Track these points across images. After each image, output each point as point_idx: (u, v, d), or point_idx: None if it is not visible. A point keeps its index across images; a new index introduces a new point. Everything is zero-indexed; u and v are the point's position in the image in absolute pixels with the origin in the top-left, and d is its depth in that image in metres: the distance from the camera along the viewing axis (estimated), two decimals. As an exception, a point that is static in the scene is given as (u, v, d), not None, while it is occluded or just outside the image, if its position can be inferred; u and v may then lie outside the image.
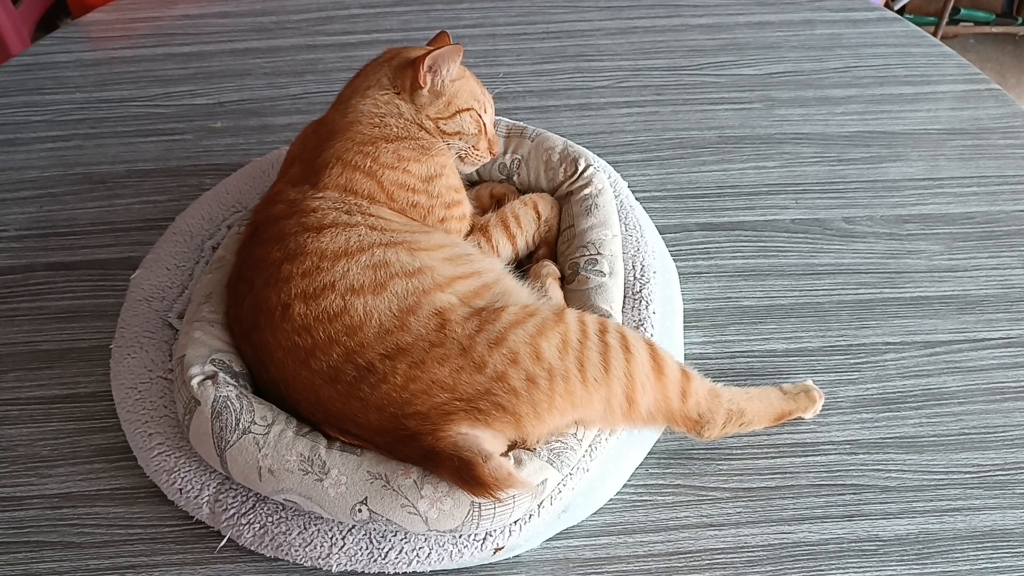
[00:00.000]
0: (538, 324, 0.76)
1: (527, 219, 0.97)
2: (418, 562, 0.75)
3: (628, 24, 1.49)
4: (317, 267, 0.78)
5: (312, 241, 0.79)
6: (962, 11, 2.73)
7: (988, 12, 2.75)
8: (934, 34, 2.56)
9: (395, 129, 0.89)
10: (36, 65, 1.43)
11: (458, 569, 0.77)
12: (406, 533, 0.74)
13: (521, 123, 1.07)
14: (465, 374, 0.73)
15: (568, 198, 0.99)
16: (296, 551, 0.75)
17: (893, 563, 0.78)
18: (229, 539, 0.78)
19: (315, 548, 0.75)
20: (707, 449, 0.86)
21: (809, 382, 0.89)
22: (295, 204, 0.84)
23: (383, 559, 0.75)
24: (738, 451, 0.86)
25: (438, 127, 0.91)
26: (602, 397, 0.75)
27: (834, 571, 0.77)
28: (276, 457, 0.73)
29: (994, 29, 2.78)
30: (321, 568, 0.76)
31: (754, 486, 0.84)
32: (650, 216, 1.06)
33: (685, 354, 0.94)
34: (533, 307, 0.79)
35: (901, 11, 2.64)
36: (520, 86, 1.35)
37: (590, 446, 0.78)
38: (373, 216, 0.83)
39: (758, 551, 0.79)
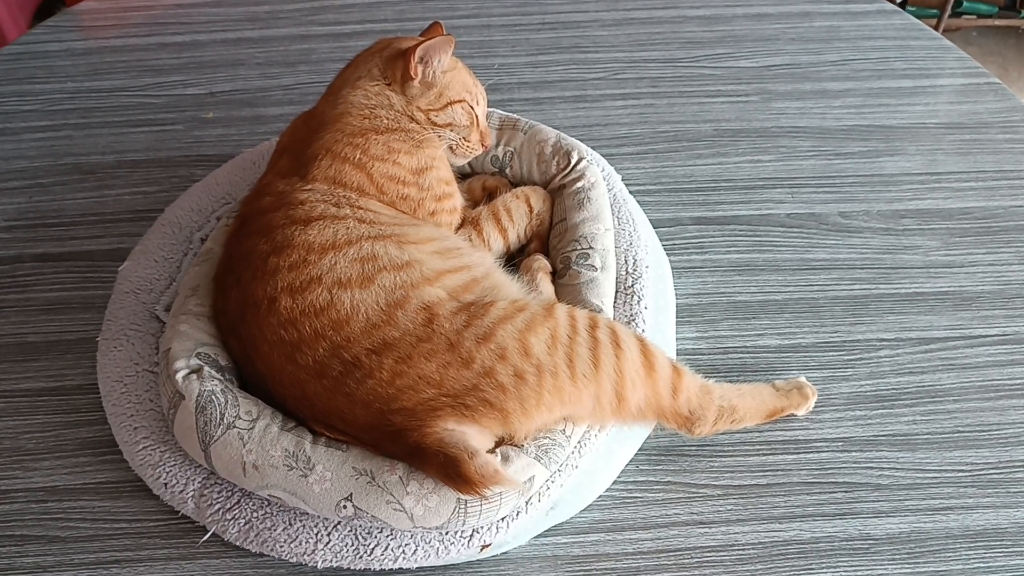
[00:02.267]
0: (527, 319, 0.75)
1: (519, 212, 0.96)
2: (404, 559, 0.74)
3: (624, 15, 1.48)
4: (304, 260, 0.77)
5: (299, 234, 0.78)
6: (964, 4, 2.71)
7: (991, 5, 2.73)
8: (936, 27, 2.54)
9: (385, 121, 0.88)
10: (27, 54, 1.41)
11: (445, 566, 0.77)
12: (392, 529, 0.74)
13: (514, 115, 1.05)
14: (452, 370, 0.72)
15: (561, 191, 0.98)
16: (281, 547, 0.75)
17: (885, 562, 0.77)
18: (214, 534, 0.77)
19: (300, 544, 0.74)
20: (698, 446, 0.85)
21: (802, 379, 0.88)
22: (283, 196, 0.83)
23: (369, 555, 0.74)
24: (729, 448, 0.85)
25: (429, 119, 0.90)
26: (591, 393, 0.74)
27: (825, 570, 0.76)
28: (260, 452, 0.72)
29: (997, 22, 2.76)
30: (307, 564, 0.75)
31: (745, 483, 0.83)
32: (644, 210, 1.05)
33: (677, 350, 0.93)
34: (522, 302, 0.78)
35: (903, 4, 2.63)
36: (515, 77, 1.34)
37: (579, 443, 0.78)
38: (362, 209, 0.83)
39: (748, 549, 0.78)
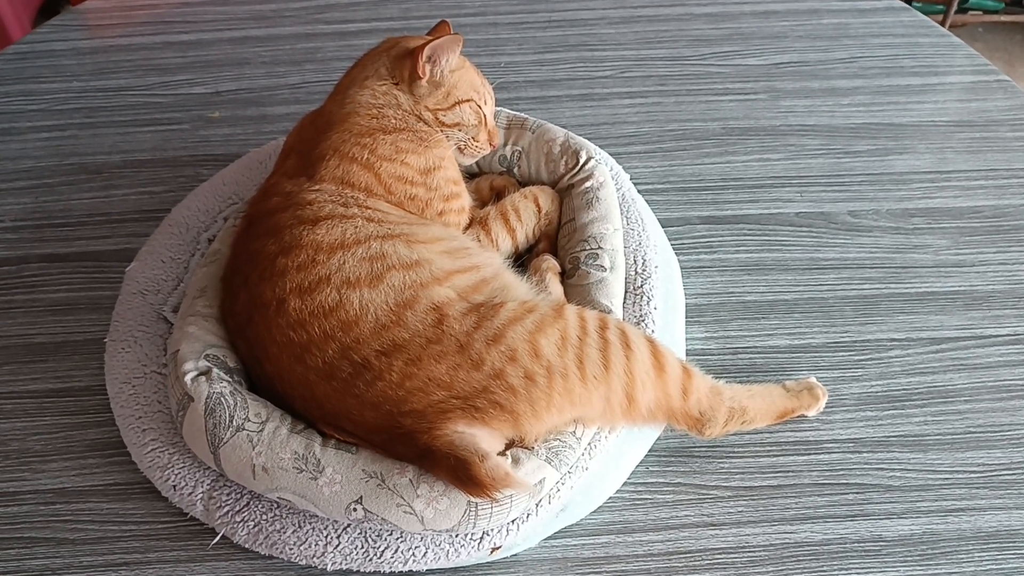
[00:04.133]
0: (537, 320, 0.75)
1: (527, 212, 0.95)
2: (414, 561, 0.74)
3: (631, 13, 1.47)
4: (312, 260, 0.76)
5: (308, 234, 0.78)
6: (970, 0, 2.70)
7: (997, 1, 2.72)
8: (942, 23, 2.53)
9: (393, 120, 0.88)
10: (33, 53, 1.41)
11: (454, 568, 0.76)
12: (402, 532, 0.73)
13: (522, 114, 1.05)
14: (462, 371, 0.71)
15: (569, 191, 0.98)
16: (291, 550, 0.75)
17: (897, 564, 0.76)
18: (223, 536, 0.77)
19: (310, 547, 0.74)
20: (708, 447, 0.85)
21: (812, 379, 0.87)
22: (291, 197, 0.82)
23: (378, 558, 0.74)
24: (740, 449, 0.85)
25: (437, 118, 0.90)
26: (602, 395, 0.74)
27: (837, 571, 0.76)
28: (270, 455, 0.72)
29: (1003, 18, 2.75)
30: (316, 567, 0.75)
31: (756, 485, 0.82)
32: (652, 209, 1.04)
33: (687, 350, 0.92)
34: (532, 303, 0.77)
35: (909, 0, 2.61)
36: (521, 76, 1.33)
37: (589, 444, 0.77)
38: (370, 209, 0.82)
39: (759, 551, 0.78)
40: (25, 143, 1.23)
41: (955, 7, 2.57)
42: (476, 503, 0.70)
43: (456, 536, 0.74)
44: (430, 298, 0.75)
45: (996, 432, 0.86)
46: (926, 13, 1.54)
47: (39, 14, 2.61)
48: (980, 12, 2.73)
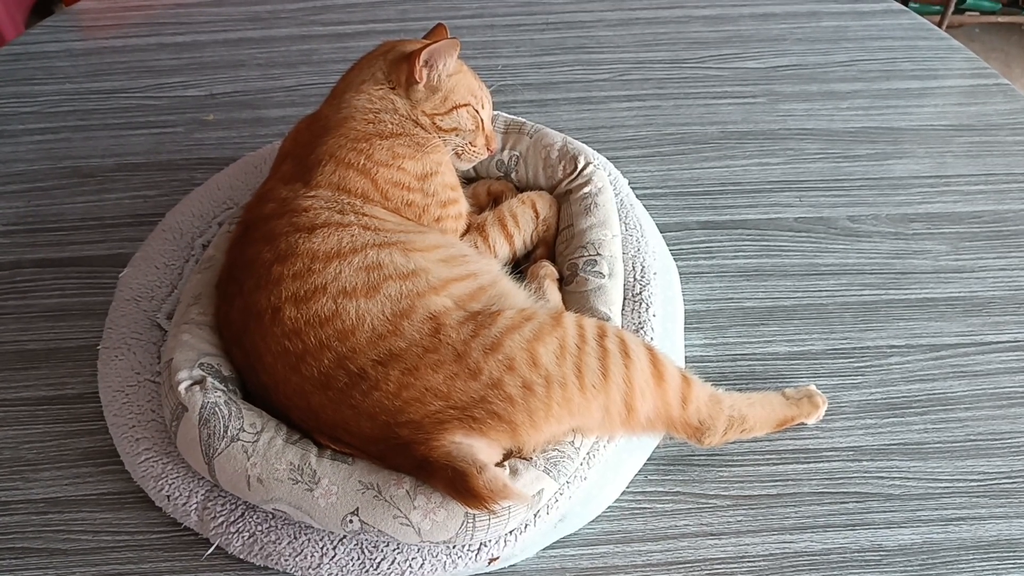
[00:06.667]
0: (535, 329, 0.74)
1: (525, 218, 0.94)
2: (411, 572, 0.73)
3: (629, 15, 1.46)
4: (308, 269, 0.76)
5: (304, 242, 0.77)
6: (967, 0, 2.69)
7: (994, 1, 2.72)
8: (939, 23, 2.53)
9: (390, 125, 0.87)
10: (25, 55, 1.40)
11: (452, 579, 0.76)
12: (399, 544, 0.73)
13: (520, 118, 1.04)
14: (460, 381, 0.71)
15: (567, 196, 0.97)
16: (286, 560, 0.74)
17: (897, 573, 0.76)
18: (218, 547, 0.76)
19: (305, 558, 0.73)
20: (707, 456, 0.84)
21: (812, 387, 0.87)
22: (287, 203, 0.82)
23: (375, 569, 0.73)
24: (739, 457, 0.84)
25: (434, 123, 0.89)
26: (600, 404, 0.73)
27: (837, 582, 0.76)
28: (265, 466, 0.71)
29: (1000, 19, 2.75)
30: (312, 578, 0.74)
31: (755, 493, 0.82)
32: (650, 214, 1.03)
33: (685, 356, 0.92)
34: (530, 311, 0.77)
35: (906, 0, 2.61)
36: (519, 79, 1.33)
37: (588, 454, 0.77)
38: (367, 216, 0.81)
39: (759, 560, 0.77)
40: (17, 146, 1.22)
41: (952, 7, 2.57)
42: (474, 515, 0.69)
43: (453, 547, 0.73)
44: (427, 307, 0.75)
45: (996, 440, 0.86)
46: (922, 14, 1.54)
47: (31, 15, 2.59)
48: (977, 13, 2.73)
